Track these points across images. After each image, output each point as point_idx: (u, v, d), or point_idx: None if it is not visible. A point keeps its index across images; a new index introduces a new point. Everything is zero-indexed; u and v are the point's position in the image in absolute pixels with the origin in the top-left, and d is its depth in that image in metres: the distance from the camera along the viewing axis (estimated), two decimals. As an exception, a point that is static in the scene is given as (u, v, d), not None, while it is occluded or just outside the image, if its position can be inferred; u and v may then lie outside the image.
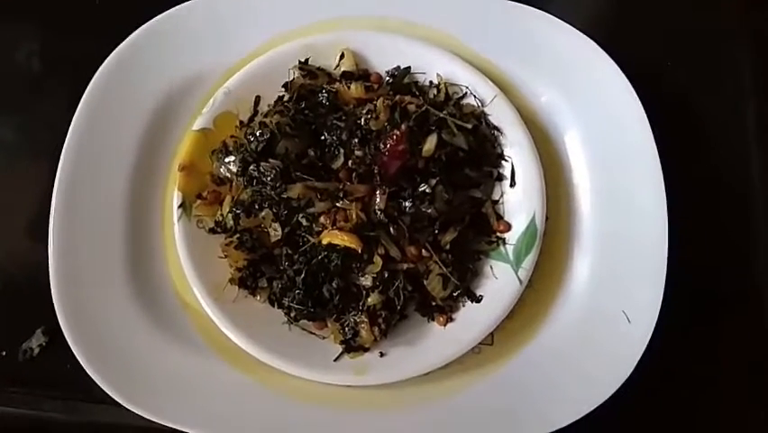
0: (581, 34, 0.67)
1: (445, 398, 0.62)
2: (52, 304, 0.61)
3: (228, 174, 0.65)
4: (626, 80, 0.66)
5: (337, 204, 0.61)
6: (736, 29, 0.77)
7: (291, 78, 0.67)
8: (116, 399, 0.59)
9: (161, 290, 0.65)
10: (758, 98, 0.74)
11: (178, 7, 0.69)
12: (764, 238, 0.70)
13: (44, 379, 0.66)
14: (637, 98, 0.65)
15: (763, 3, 0.78)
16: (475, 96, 0.67)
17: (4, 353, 0.67)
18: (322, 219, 0.61)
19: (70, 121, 0.65)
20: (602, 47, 0.67)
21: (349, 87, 0.65)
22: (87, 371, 0.60)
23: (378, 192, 0.61)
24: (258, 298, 0.64)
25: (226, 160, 0.64)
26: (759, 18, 0.78)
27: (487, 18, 0.69)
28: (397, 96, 0.64)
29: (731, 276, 0.70)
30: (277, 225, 0.62)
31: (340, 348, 0.62)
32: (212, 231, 0.64)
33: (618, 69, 0.66)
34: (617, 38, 0.69)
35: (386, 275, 0.60)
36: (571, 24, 0.68)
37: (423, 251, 0.62)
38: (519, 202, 0.65)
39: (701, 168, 0.71)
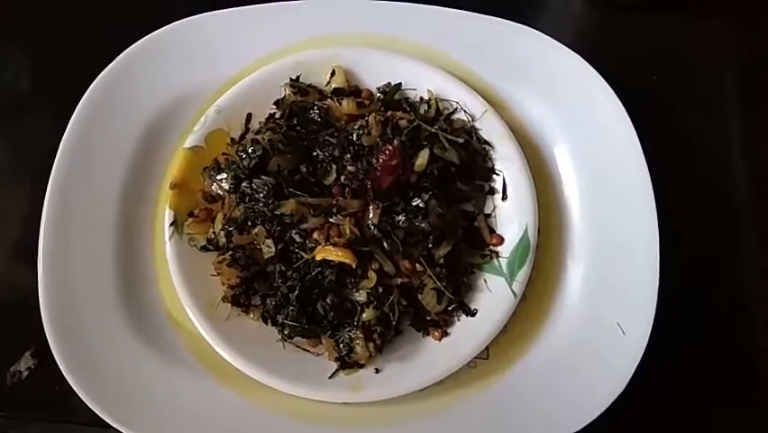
0: (569, 50, 0.68)
1: (441, 413, 0.61)
2: (41, 326, 0.60)
3: (220, 191, 0.64)
4: (614, 94, 0.67)
5: (330, 219, 0.60)
6: (721, 42, 0.78)
7: (282, 96, 0.67)
8: (107, 421, 0.59)
9: (153, 310, 0.64)
10: (744, 110, 0.75)
11: (168, 26, 0.69)
12: (752, 246, 0.71)
13: (33, 402, 0.65)
14: (624, 111, 0.66)
15: (747, 15, 0.79)
16: (465, 111, 0.67)
17: (-9, 376, 0.66)
18: (315, 235, 0.60)
19: (59, 140, 0.65)
20: (589, 62, 0.68)
21: (340, 104, 0.66)
22: (78, 393, 0.59)
23: (371, 207, 0.61)
24: (251, 315, 0.63)
25: (218, 177, 0.64)
26: (744, 31, 0.79)
27: (476, 34, 0.70)
28: (389, 112, 0.65)
29: (721, 285, 0.70)
30: (270, 241, 0.61)
31: (335, 365, 0.61)
32: (204, 249, 0.64)
33: (605, 83, 0.67)
34: (603, 53, 0.70)
35: (380, 290, 0.60)
36: (558, 40, 0.69)
37: (417, 265, 0.61)
38: (511, 215, 0.65)
39: (689, 178, 0.72)
